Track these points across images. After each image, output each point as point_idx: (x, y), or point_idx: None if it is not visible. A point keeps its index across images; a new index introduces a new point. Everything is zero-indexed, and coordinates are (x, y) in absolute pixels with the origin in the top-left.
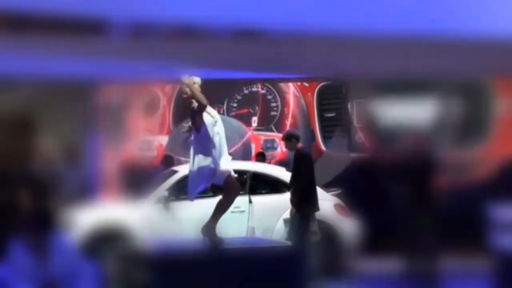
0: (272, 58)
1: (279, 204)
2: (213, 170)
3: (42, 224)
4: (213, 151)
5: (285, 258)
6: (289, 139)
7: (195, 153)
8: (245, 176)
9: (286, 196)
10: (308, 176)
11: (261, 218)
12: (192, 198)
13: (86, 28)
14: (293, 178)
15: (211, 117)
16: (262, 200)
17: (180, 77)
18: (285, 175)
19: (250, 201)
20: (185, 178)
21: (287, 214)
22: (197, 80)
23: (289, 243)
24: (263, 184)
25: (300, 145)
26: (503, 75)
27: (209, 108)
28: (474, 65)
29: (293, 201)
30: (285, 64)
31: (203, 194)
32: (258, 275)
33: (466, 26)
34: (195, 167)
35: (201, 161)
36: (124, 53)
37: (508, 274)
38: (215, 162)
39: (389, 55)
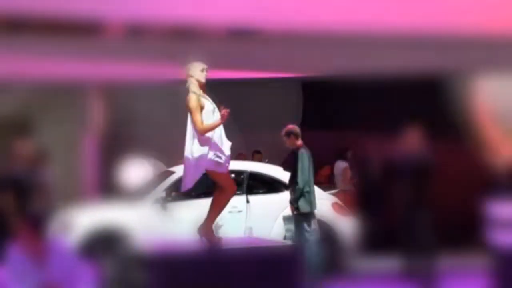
0: (269, 58)
1: (277, 204)
2: (215, 158)
3: (39, 226)
4: (214, 137)
5: (283, 257)
6: (287, 135)
7: (193, 139)
8: (242, 176)
9: (284, 195)
10: (307, 174)
11: (259, 218)
12: (187, 188)
13: (82, 29)
14: (292, 176)
15: (210, 103)
16: (260, 200)
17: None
18: (282, 174)
19: (248, 201)
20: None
21: (284, 213)
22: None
23: (287, 242)
24: (260, 184)
25: (299, 142)
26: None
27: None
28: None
29: (291, 200)
30: (281, 63)
31: (200, 194)
32: (256, 275)
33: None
34: (194, 154)
35: (198, 147)
36: (121, 53)
37: (506, 272)
38: (217, 148)
39: (385, 53)
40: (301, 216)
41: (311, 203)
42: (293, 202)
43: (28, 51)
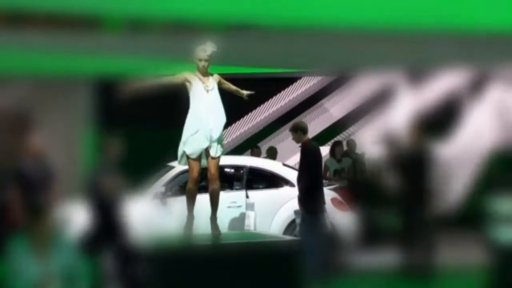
0: (268, 53)
1: (276, 199)
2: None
3: (40, 219)
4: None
5: (282, 252)
6: (294, 130)
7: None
8: (241, 171)
9: (283, 191)
10: (313, 171)
11: (258, 213)
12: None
13: (82, 24)
14: (300, 173)
15: (205, 86)
16: (259, 195)
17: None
18: (281, 169)
19: (247, 196)
20: (181, 174)
21: (285, 209)
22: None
23: (286, 237)
24: (259, 179)
25: (306, 137)
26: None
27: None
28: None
29: (298, 197)
30: (281, 58)
31: (200, 189)
32: (256, 269)
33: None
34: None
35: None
36: (120, 48)
37: (505, 267)
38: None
39: (384, 48)
40: (308, 214)
41: (318, 201)
42: (300, 200)
43: (28, 46)
